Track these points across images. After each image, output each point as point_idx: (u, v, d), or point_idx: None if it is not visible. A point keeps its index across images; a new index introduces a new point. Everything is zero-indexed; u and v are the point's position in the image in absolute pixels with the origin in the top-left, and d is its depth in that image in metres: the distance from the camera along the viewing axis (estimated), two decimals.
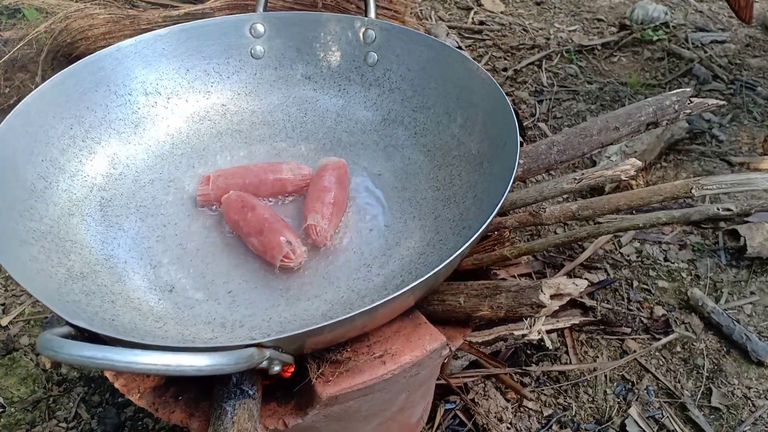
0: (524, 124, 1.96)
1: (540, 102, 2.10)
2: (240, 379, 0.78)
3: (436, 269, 0.71)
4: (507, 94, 2.13)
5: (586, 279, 0.81)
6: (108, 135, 1.05)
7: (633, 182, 1.72)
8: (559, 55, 2.34)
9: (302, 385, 0.79)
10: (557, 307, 0.83)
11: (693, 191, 0.96)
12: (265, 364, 0.66)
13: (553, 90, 2.15)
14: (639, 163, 0.95)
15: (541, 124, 2.00)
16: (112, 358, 0.54)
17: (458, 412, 1.21)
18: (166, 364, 0.55)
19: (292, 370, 0.79)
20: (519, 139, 0.89)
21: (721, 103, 1.18)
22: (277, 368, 0.69)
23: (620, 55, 2.36)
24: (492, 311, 0.83)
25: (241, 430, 0.74)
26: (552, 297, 0.83)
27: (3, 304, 1.44)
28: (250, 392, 0.78)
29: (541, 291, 0.81)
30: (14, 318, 1.41)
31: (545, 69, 2.26)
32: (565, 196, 1.54)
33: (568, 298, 0.83)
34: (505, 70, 2.26)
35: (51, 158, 0.96)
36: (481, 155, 0.98)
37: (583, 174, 1.03)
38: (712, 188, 0.93)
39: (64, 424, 1.24)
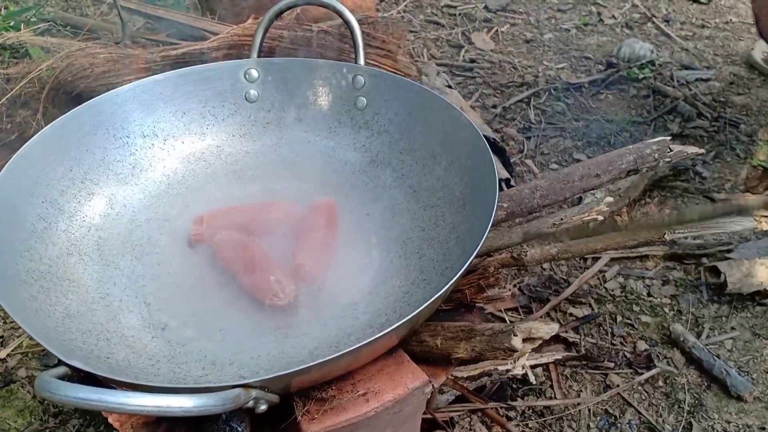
0: (512, 161, 2.01)
1: (528, 138, 2.15)
2: (229, 416, 0.81)
3: (417, 310, 0.74)
4: (496, 130, 2.19)
5: (558, 323, 0.85)
6: (106, 176, 1.09)
7: (618, 218, 1.77)
8: (547, 93, 2.40)
9: (289, 422, 0.82)
10: (530, 350, 0.87)
11: (666, 236, 1.00)
12: (251, 403, 0.69)
13: (541, 127, 2.21)
14: (610, 200, 1.00)
15: (528, 161, 2.05)
16: (105, 400, 0.57)
17: None
18: (156, 405, 0.58)
19: None
20: (506, 176, 0.93)
21: (701, 151, 1.23)
22: (263, 407, 0.72)
23: (607, 93, 2.42)
24: (467, 353, 0.87)
25: None
26: (525, 340, 0.86)
27: (1, 337, 1.47)
28: (239, 429, 0.81)
29: (514, 335, 0.85)
30: (12, 350, 1.44)
31: (533, 106, 2.32)
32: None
33: (540, 342, 0.87)
34: (494, 107, 2.31)
35: (51, 199, 1.00)
36: (463, 197, 1.02)
37: (562, 219, 1.07)
38: (683, 232, 0.97)
39: None
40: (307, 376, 0.76)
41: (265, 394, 0.71)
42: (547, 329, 0.86)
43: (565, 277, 1.62)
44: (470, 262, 0.81)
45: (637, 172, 1.16)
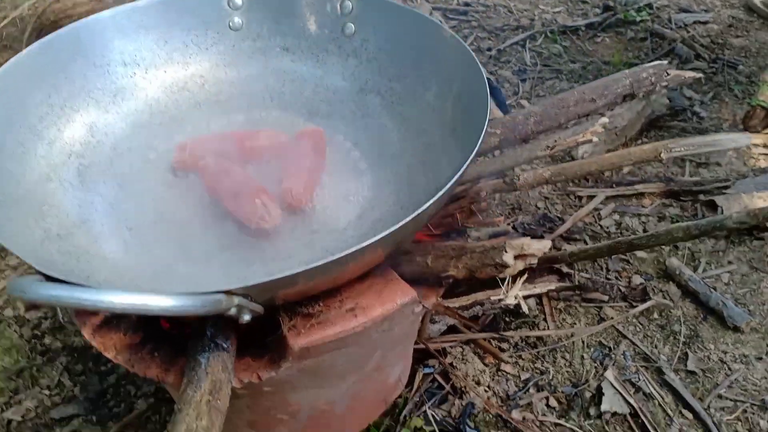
0: (507, 102, 1.97)
1: (523, 81, 2.12)
2: (214, 333, 0.80)
3: (404, 221, 0.72)
4: (491, 73, 2.15)
5: (550, 240, 0.82)
6: (86, 104, 1.06)
7: None
8: (543, 36, 2.35)
9: (275, 337, 0.81)
10: (522, 268, 0.85)
11: (662, 155, 0.98)
12: (233, 311, 0.67)
13: (537, 69, 2.17)
14: (606, 120, 0.97)
15: (524, 102, 2.02)
16: (79, 297, 0.55)
17: (437, 376, 1.23)
18: (132, 303, 0.56)
19: None
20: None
21: (698, 75, 1.20)
22: (246, 317, 0.70)
23: (604, 36, 2.37)
24: (458, 271, 0.85)
25: (215, 380, 0.76)
26: (516, 257, 0.84)
27: None
28: (224, 345, 0.79)
29: (505, 251, 0.83)
30: None
31: (529, 49, 2.28)
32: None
33: (532, 259, 0.85)
34: (489, 50, 2.27)
35: (29, 125, 0.97)
36: (454, 121, 1.00)
37: (555, 141, 1.05)
38: (680, 150, 0.95)
39: (47, 392, 1.26)
40: (293, 288, 0.74)
41: (249, 303, 0.69)
42: (539, 245, 0.84)
43: (559, 215, 1.60)
44: (461, 174, 0.79)
45: (633, 96, 1.13)
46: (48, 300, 0.55)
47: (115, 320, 0.90)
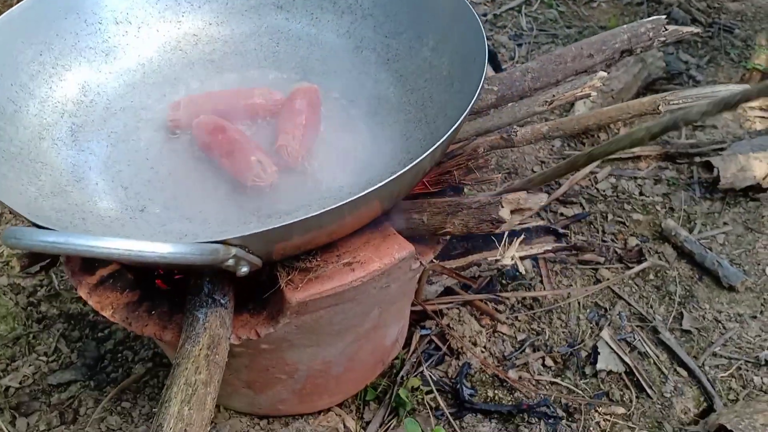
0: (503, 67, 1.96)
1: (519, 46, 2.10)
2: (212, 288, 0.80)
3: (399, 172, 0.72)
4: (486, 38, 2.12)
5: (546, 194, 0.82)
6: (78, 63, 1.05)
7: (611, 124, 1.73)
8: (539, 1, 2.32)
9: (272, 291, 0.80)
10: (517, 222, 0.85)
11: (660, 107, 0.97)
12: (231, 262, 0.67)
13: (533, 34, 2.15)
14: (604, 74, 0.96)
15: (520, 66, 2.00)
16: (74, 243, 0.54)
17: (434, 338, 1.24)
18: (128, 249, 0.56)
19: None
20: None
21: (696, 30, 1.18)
22: (244, 269, 0.70)
23: (600, 1, 2.35)
24: (455, 228, 0.84)
25: (213, 335, 0.76)
26: (513, 212, 0.84)
27: None
28: (222, 301, 0.79)
29: (501, 206, 0.82)
30: None
31: (525, 14, 2.25)
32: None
33: (529, 213, 0.85)
34: (485, 15, 2.25)
35: (20, 83, 0.96)
36: (451, 76, 0.99)
37: (554, 96, 1.04)
38: (678, 102, 0.94)
39: (44, 358, 1.26)
40: (290, 240, 0.73)
41: (246, 254, 0.68)
42: (535, 199, 0.84)
43: (556, 179, 1.60)
44: (459, 125, 0.78)
45: (631, 52, 1.12)
46: (43, 247, 0.54)
47: (111, 279, 0.89)
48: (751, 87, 0.61)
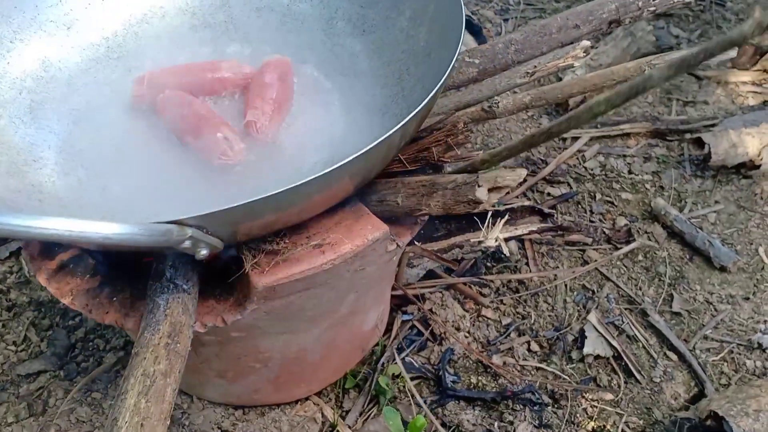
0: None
1: (506, 20, 2.04)
2: (174, 273, 0.75)
3: (371, 145, 0.67)
4: (472, 13, 2.07)
5: (525, 170, 0.77)
6: (38, 37, 0.99)
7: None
8: None
9: (238, 276, 0.76)
10: (496, 200, 0.80)
11: (645, 69, 0.93)
12: (188, 244, 0.63)
13: (520, 8, 2.09)
14: (587, 43, 0.91)
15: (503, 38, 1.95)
16: (8, 222, 0.49)
17: (416, 323, 1.19)
18: (68, 229, 0.51)
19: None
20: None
21: (688, 0, 1.14)
22: (203, 252, 0.66)
23: None
24: (431, 209, 0.80)
25: (174, 323, 0.71)
26: (490, 191, 0.79)
27: None
28: (185, 287, 0.75)
29: (478, 185, 0.78)
30: None
31: None
32: None
33: (507, 191, 0.80)
34: None
35: None
36: (428, 46, 0.94)
37: (535, 67, 0.99)
38: (662, 65, 0.90)
39: (13, 347, 1.21)
40: (253, 221, 0.69)
41: (204, 235, 0.64)
42: (513, 176, 0.79)
43: (543, 158, 1.55)
44: (435, 94, 0.74)
45: (619, 23, 1.07)
46: None
47: (72, 264, 0.85)
48: (711, 42, 0.57)
